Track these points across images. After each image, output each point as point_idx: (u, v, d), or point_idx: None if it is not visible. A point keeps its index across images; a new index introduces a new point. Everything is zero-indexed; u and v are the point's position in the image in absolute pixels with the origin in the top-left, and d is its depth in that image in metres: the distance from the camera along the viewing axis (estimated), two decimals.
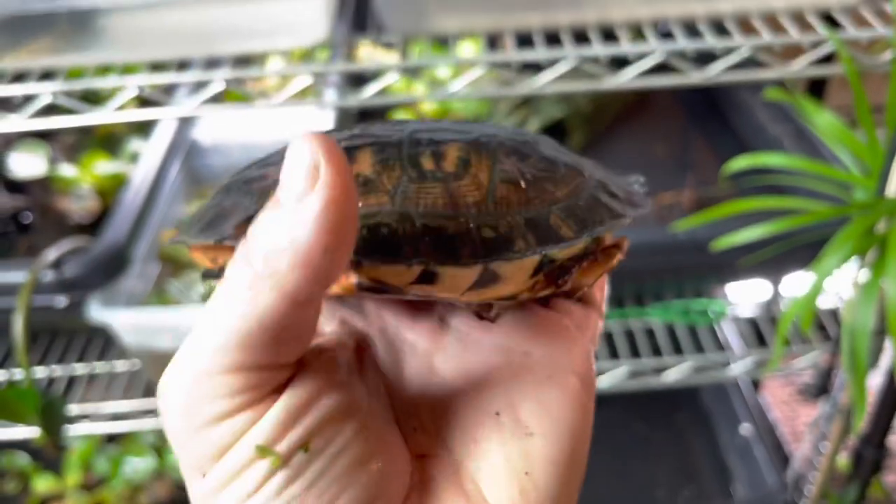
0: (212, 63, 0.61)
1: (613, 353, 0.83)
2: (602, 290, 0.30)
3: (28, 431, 0.75)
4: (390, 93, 0.59)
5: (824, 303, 0.88)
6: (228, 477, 0.20)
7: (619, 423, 1.07)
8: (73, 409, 0.81)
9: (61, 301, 0.71)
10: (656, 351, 0.83)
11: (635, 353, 0.83)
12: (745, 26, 0.58)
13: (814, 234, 0.63)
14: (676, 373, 0.80)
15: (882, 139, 0.60)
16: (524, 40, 0.59)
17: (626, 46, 0.56)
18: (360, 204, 0.23)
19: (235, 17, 0.58)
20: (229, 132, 0.98)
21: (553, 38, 0.58)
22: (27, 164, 0.91)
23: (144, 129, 0.98)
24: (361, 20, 0.77)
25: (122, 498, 0.97)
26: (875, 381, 0.73)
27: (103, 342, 0.90)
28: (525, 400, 0.24)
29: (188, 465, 0.21)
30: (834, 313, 0.92)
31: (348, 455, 0.21)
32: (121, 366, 0.88)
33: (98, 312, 0.72)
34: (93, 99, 0.59)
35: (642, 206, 0.28)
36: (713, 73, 0.56)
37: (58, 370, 0.88)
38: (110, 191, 0.92)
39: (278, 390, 0.21)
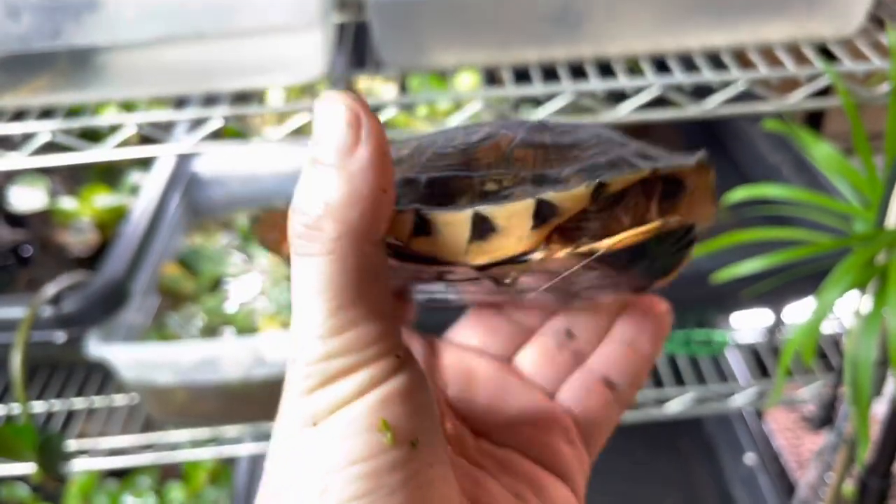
0: (210, 99, 0.61)
1: None
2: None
3: (26, 467, 0.75)
4: (389, 127, 0.59)
5: (826, 328, 0.87)
6: (341, 434, 0.21)
7: (624, 450, 1.06)
8: (72, 444, 0.81)
9: (60, 337, 0.71)
10: (657, 381, 0.83)
11: None
12: (742, 59, 0.58)
13: (815, 265, 0.63)
14: (678, 404, 0.79)
15: (880, 166, 0.60)
16: (522, 74, 0.59)
17: (623, 81, 0.56)
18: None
19: (233, 53, 0.58)
20: (230, 164, 0.98)
21: (550, 73, 0.59)
22: (27, 198, 0.91)
23: (145, 161, 0.98)
24: (360, 55, 0.77)
25: None
26: (880, 409, 0.73)
27: (102, 376, 0.90)
28: None
29: (300, 415, 0.22)
30: (836, 342, 0.92)
31: (435, 470, 0.22)
32: (120, 400, 0.88)
33: (96, 348, 0.72)
34: (92, 136, 0.59)
35: (676, 163, 0.27)
36: (710, 106, 0.56)
37: (56, 404, 0.87)
38: (110, 223, 0.92)
39: (394, 367, 0.22)
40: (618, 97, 0.57)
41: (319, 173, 0.20)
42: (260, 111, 0.58)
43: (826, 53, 0.59)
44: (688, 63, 0.59)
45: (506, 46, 0.58)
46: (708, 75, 0.56)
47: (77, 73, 0.59)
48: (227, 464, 0.99)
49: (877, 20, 0.61)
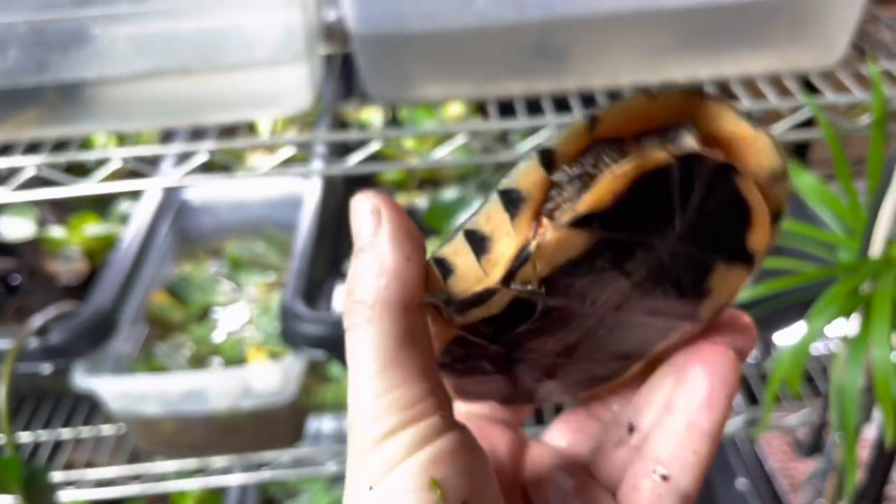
0: (197, 132, 0.61)
1: None
2: None
3: (11, 500, 0.74)
4: (378, 158, 0.60)
5: (813, 350, 0.87)
6: (394, 495, 0.22)
7: None
8: (58, 475, 0.80)
9: (46, 368, 0.71)
10: None
11: None
12: (726, 92, 0.59)
13: (802, 294, 0.63)
14: None
15: (862, 189, 0.61)
16: (507, 106, 0.60)
17: None
18: None
19: (221, 87, 0.58)
20: (219, 192, 0.98)
21: (535, 105, 0.59)
22: (16, 227, 0.91)
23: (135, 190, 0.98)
24: (348, 84, 0.77)
25: None
26: (870, 433, 0.73)
27: (89, 405, 0.89)
28: None
29: (359, 479, 0.23)
30: (824, 367, 0.92)
31: None
32: (107, 429, 0.87)
33: (83, 380, 0.72)
34: (78, 169, 0.59)
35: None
36: None
37: (43, 435, 0.87)
38: (99, 252, 0.92)
39: (441, 427, 0.23)
40: None
41: (357, 257, 0.24)
42: (246, 144, 0.59)
43: (808, 84, 0.60)
44: None
45: (491, 80, 0.58)
46: None
47: (64, 106, 0.59)
48: (216, 494, 0.98)
49: (858, 49, 0.62)
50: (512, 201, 0.23)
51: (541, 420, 0.86)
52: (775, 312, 0.66)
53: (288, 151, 0.58)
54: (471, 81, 0.58)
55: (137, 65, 0.58)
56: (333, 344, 0.67)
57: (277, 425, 0.78)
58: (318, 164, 0.62)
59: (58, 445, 0.87)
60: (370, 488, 0.23)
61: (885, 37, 0.65)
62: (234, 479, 0.85)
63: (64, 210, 0.97)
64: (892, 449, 0.69)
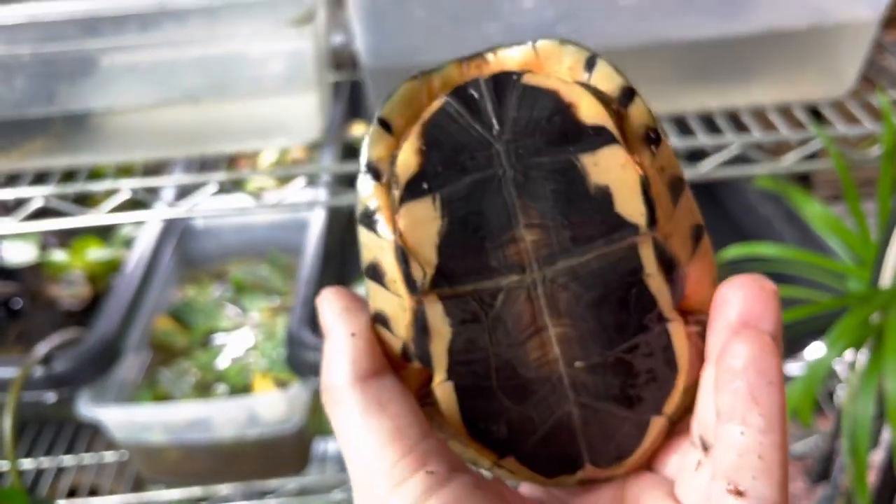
0: (204, 163, 0.61)
1: None
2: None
3: None
4: None
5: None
6: None
7: None
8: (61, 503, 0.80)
9: (50, 397, 0.70)
10: None
11: None
12: (737, 122, 0.59)
13: (812, 323, 0.63)
14: None
15: (870, 211, 0.61)
16: None
17: None
18: None
19: (228, 117, 0.58)
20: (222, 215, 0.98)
21: None
22: (18, 251, 0.91)
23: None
24: (355, 107, 0.77)
25: None
26: (877, 457, 0.72)
27: (92, 432, 0.88)
28: None
29: None
30: (830, 393, 0.92)
31: None
32: (109, 456, 0.87)
33: (87, 409, 0.71)
34: (84, 199, 0.59)
35: None
36: (705, 169, 0.56)
37: (45, 462, 0.86)
38: (102, 276, 0.91)
39: (429, 485, 0.23)
40: None
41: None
42: (255, 174, 0.58)
43: (817, 114, 0.60)
44: (682, 126, 0.59)
45: None
46: (702, 139, 0.56)
47: (71, 136, 0.58)
48: None
49: (867, 79, 0.62)
50: (370, 219, 0.24)
51: None
52: (785, 341, 0.65)
53: (299, 183, 0.57)
54: None
55: (145, 95, 0.57)
56: None
57: (283, 453, 0.77)
58: (323, 195, 0.62)
59: (60, 472, 0.86)
60: None
61: (891, 64, 0.65)
62: None
63: (66, 234, 0.96)
64: None
